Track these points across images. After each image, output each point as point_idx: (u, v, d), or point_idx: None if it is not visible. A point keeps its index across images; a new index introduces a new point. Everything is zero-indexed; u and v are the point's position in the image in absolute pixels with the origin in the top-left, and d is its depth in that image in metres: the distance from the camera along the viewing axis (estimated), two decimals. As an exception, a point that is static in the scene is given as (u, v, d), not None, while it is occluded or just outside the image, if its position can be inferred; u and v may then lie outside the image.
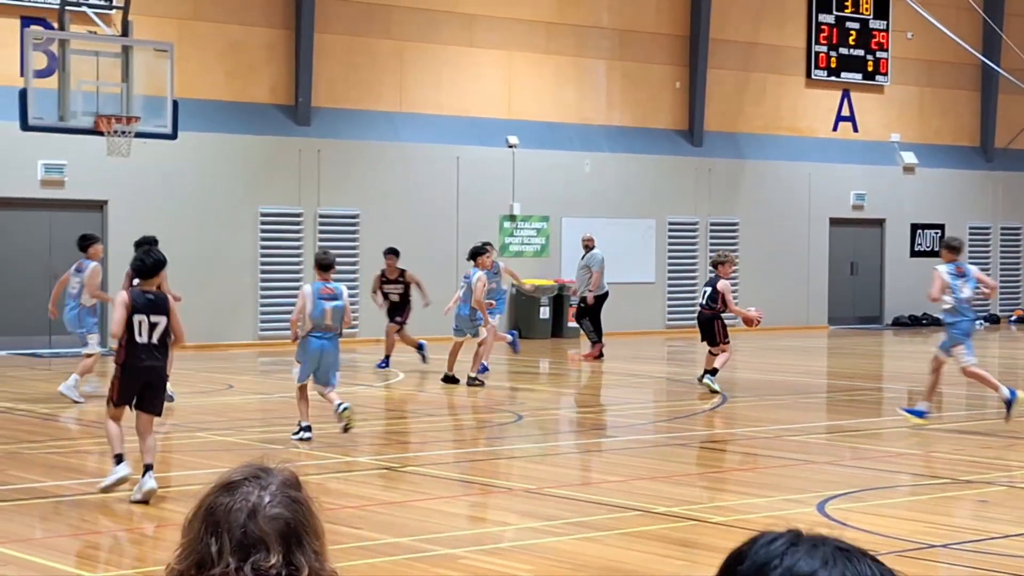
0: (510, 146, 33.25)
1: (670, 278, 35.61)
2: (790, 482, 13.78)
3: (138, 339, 12.57)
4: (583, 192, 34.28)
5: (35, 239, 28.08)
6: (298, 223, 30.62)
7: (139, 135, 22.96)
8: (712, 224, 36.30)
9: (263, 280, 30.18)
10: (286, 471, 3.10)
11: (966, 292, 17.83)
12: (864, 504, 12.67)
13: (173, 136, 23.78)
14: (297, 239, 30.59)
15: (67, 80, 22.23)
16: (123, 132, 22.52)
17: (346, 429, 16.02)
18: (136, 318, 12.55)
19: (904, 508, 12.77)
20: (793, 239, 37.76)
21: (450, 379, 22.57)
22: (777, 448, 16.09)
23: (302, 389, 16.25)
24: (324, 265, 16.78)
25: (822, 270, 38.32)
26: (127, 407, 12.80)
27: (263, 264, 30.23)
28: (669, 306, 35.45)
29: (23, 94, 22.04)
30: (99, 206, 28.57)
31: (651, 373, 26.38)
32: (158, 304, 12.70)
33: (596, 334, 27.66)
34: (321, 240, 30.79)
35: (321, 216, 30.86)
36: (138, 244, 20.21)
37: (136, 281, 13.03)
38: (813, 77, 38.38)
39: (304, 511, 3.06)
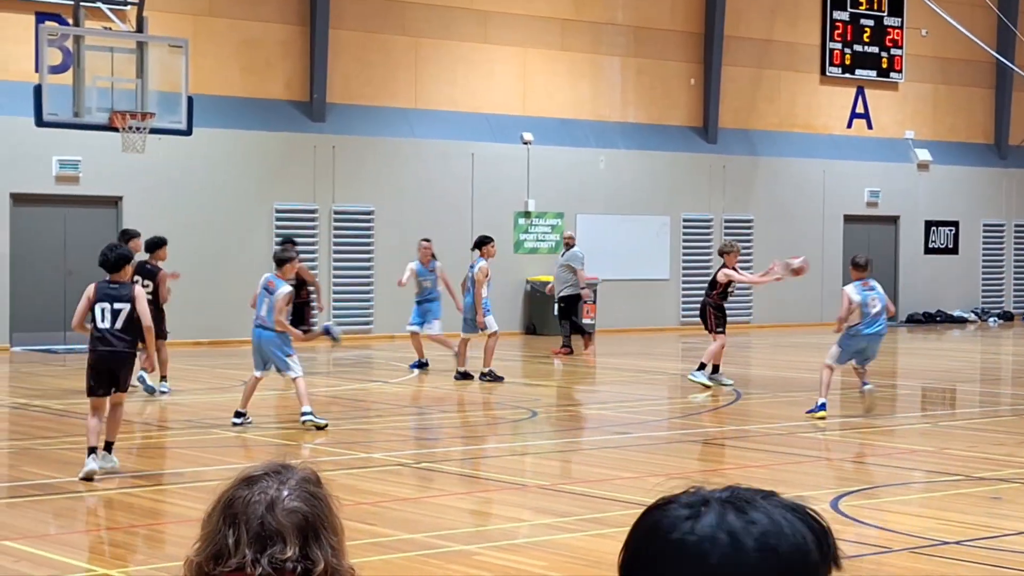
0: (525, 142, 33.25)
1: (684, 275, 35.58)
2: (804, 478, 13.78)
3: (100, 324, 13.49)
4: (598, 189, 34.27)
5: (50, 235, 28.13)
6: (313, 219, 30.64)
7: (154, 131, 23.01)
8: (726, 221, 36.27)
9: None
10: (306, 468, 3.13)
11: (877, 306, 18.49)
12: (878, 500, 12.67)
13: (188, 132, 23.82)
14: (312, 235, 30.59)
15: (82, 76, 22.28)
16: (138, 128, 22.56)
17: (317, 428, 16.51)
18: (98, 307, 13.52)
19: (917, 505, 12.76)
20: (807, 236, 37.70)
21: (464, 375, 22.56)
22: (791, 444, 16.09)
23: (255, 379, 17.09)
24: (277, 261, 17.11)
25: (836, 267, 38.25)
26: (104, 396, 13.47)
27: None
28: (683, 303, 35.42)
29: (38, 90, 22.08)
30: (114, 202, 28.62)
31: (665, 369, 26.37)
32: (120, 293, 13.60)
33: (578, 330, 27.72)
34: (336, 236, 30.79)
35: (336, 212, 30.88)
36: (148, 243, 20.37)
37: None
38: (828, 74, 38.33)
39: (323, 507, 3.08)
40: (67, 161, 27.79)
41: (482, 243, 22.91)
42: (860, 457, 15.69)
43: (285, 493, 3.04)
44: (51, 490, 12.89)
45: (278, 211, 30.19)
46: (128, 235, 20.40)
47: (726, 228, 36.14)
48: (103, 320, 13.48)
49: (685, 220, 35.65)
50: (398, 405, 20.75)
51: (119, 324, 13.49)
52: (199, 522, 3.10)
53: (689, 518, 2.07)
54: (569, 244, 28.42)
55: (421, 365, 24.16)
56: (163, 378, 20.20)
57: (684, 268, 35.62)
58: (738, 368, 22.59)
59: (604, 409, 20.07)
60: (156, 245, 20.50)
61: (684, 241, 35.64)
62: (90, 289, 13.69)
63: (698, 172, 35.96)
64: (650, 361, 27.43)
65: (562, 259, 28.40)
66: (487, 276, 22.47)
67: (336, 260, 30.84)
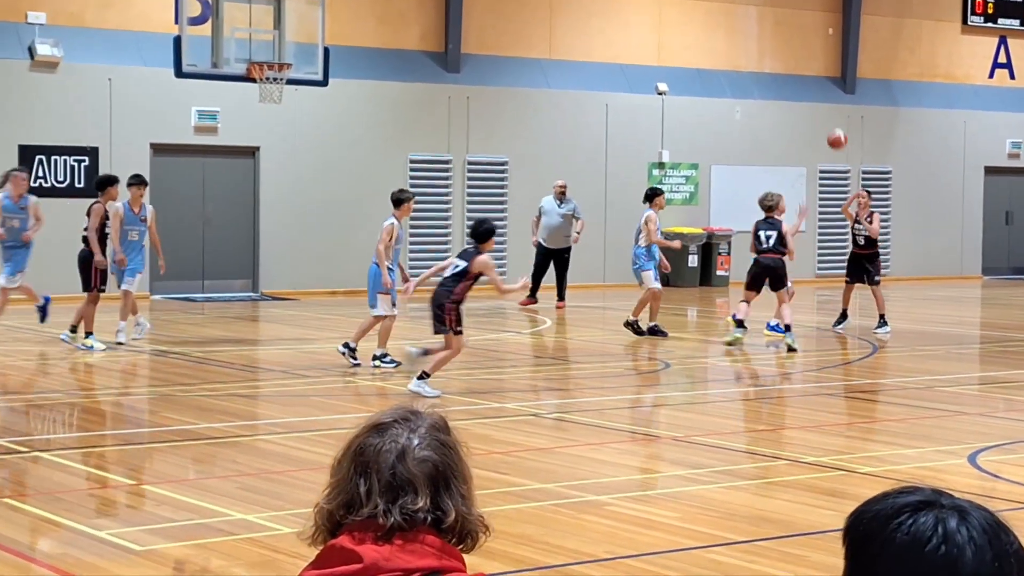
0: (660, 93, 33.05)
1: (820, 227, 35.23)
2: (941, 433, 13.60)
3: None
4: (733, 140, 34.00)
5: (189, 185, 28.49)
6: (447, 170, 30.72)
7: (291, 82, 23.16)
8: (864, 172, 35.83)
9: (412, 227, 30.33)
10: (435, 415, 3.12)
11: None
12: (1017, 456, 12.47)
13: (324, 83, 23.96)
14: (446, 186, 30.70)
15: (220, 27, 22.48)
16: (275, 79, 22.73)
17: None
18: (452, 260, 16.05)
19: (1059, 461, 12.53)
20: (947, 188, 37.15)
21: (654, 331, 21.88)
22: (929, 399, 15.88)
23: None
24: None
25: (976, 219, 37.67)
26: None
27: (412, 211, 30.33)
28: (819, 255, 35.09)
29: (177, 41, 22.32)
30: (251, 152, 28.92)
31: (800, 322, 26.05)
32: (468, 253, 15.77)
33: (536, 285, 26.45)
34: (470, 187, 30.85)
35: (470, 163, 30.94)
36: (97, 181, 20.48)
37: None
38: (969, 23, 37.63)
39: (452, 455, 3.07)
40: (206, 112, 28.11)
41: (653, 195, 22.34)
42: (999, 412, 15.44)
43: (416, 442, 3.03)
44: (190, 436, 13.09)
45: (412, 162, 30.31)
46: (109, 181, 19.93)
47: (863, 179, 35.71)
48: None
49: (821, 171, 35.27)
50: (531, 355, 20.79)
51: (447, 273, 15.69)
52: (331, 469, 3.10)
53: (910, 514, 2.20)
54: (564, 193, 26.82)
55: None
56: (88, 333, 19.39)
57: (820, 220, 35.25)
58: (876, 321, 22.36)
59: (737, 361, 19.94)
60: (106, 183, 19.89)
61: (820, 193, 35.26)
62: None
63: (835, 123, 35.45)
64: (785, 313, 27.14)
65: (560, 208, 26.73)
66: (656, 227, 21.92)
67: (470, 211, 30.90)
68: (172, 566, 8.56)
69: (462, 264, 15.44)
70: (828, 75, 35.73)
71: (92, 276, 19.49)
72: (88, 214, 19.85)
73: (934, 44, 37.30)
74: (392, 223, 17.99)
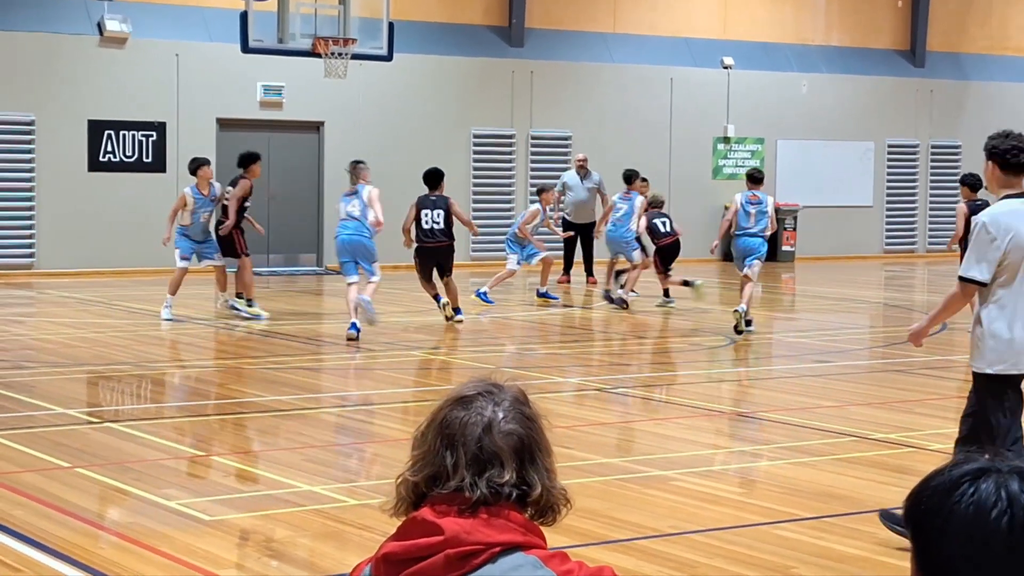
0: (725, 67, 32.88)
1: (889, 201, 34.99)
2: (1010, 410, 13.47)
3: None
4: (799, 114, 33.79)
5: (254, 159, 28.56)
6: (510, 145, 30.69)
7: (355, 57, 23.19)
8: (933, 147, 35.54)
9: (475, 201, 30.35)
10: (516, 388, 3.11)
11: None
12: (1088, 434, 12.34)
13: (388, 58, 23.97)
14: (509, 161, 30.67)
15: (286, 3, 22.52)
16: (340, 54, 22.76)
17: None
18: None
19: None
20: (1016, 163, 36.79)
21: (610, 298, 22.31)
22: (997, 376, 15.74)
23: None
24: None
25: (1045, 195, 37.29)
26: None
27: (475, 185, 30.40)
28: (887, 230, 34.85)
29: (244, 17, 22.39)
30: (315, 127, 28.99)
31: (867, 298, 25.97)
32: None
33: (569, 262, 26.44)
34: (533, 162, 30.81)
35: (533, 138, 30.90)
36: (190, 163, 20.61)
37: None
38: (1040, -5, 37.26)
39: (536, 428, 3.07)
40: (271, 87, 28.21)
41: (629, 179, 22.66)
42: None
43: (501, 415, 3.03)
44: (257, 408, 13.16)
45: (476, 136, 30.31)
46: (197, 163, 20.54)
47: (932, 154, 35.45)
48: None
49: (890, 146, 35.01)
50: (593, 330, 20.77)
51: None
52: (398, 443, 3.10)
53: (970, 483, 2.19)
54: (585, 166, 26.32)
55: None
56: (249, 301, 20.43)
57: (888, 195, 35.02)
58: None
59: (803, 337, 19.86)
60: (249, 160, 20.49)
61: (888, 167, 35.02)
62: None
63: (904, 97, 35.24)
64: (851, 289, 27.03)
65: (584, 183, 26.15)
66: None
67: (533, 186, 30.87)
68: (239, 536, 8.61)
69: None
70: (897, 48, 35.44)
71: (236, 242, 20.14)
72: (232, 184, 20.30)
73: (1005, 16, 36.92)
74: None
